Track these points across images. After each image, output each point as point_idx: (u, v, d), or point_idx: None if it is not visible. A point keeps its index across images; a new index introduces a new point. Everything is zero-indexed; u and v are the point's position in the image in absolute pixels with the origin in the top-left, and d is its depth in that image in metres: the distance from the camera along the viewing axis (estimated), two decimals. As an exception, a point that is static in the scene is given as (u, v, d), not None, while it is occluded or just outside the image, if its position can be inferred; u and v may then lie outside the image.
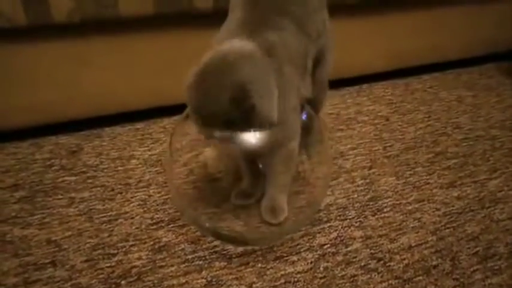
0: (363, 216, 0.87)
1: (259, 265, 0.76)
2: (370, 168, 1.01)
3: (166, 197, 0.90)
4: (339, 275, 0.75)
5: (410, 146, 1.10)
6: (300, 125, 0.77)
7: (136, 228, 0.83)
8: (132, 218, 0.85)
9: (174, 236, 0.81)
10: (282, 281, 0.73)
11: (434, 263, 0.77)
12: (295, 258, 0.77)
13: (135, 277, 0.73)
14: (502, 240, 0.82)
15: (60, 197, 0.90)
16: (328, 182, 0.91)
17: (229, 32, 0.73)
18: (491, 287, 0.74)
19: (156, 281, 0.73)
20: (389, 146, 1.09)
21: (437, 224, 0.86)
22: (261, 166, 0.84)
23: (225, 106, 0.62)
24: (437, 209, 0.89)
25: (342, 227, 0.84)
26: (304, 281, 0.73)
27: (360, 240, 0.82)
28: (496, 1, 1.44)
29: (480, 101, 1.34)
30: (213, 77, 0.64)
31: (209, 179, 0.91)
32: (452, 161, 1.04)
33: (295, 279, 0.74)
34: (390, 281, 0.74)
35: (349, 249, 0.80)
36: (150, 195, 0.91)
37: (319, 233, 0.83)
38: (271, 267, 0.76)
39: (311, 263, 0.77)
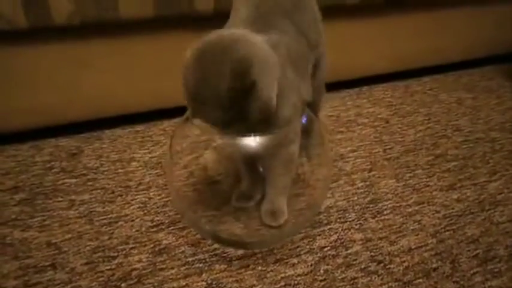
0: (363, 218, 0.87)
1: (260, 268, 0.76)
2: (370, 170, 1.01)
3: (167, 199, 0.90)
4: (339, 277, 0.75)
5: (410, 149, 1.10)
6: (300, 127, 0.77)
7: (137, 230, 0.83)
8: (132, 220, 0.85)
9: (174, 238, 0.81)
10: (282, 283, 0.73)
11: (434, 265, 0.77)
12: (295, 260, 0.77)
13: (135, 280, 0.73)
14: (502, 243, 0.82)
15: (60, 199, 0.90)
16: (328, 184, 0.91)
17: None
18: (491, 289, 0.74)
19: (156, 284, 0.72)
20: (389, 149, 1.09)
21: (437, 227, 0.86)
22: (261, 169, 0.84)
23: (225, 83, 0.60)
24: (437, 212, 0.89)
25: (342, 230, 0.84)
26: (304, 284, 0.73)
27: (360, 242, 0.82)
28: (497, 3, 1.45)
29: (480, 103, 1.34)
30: (213, 54, 0.62)
31: (209, 182, 0.91)
32: (452, 163, 1.05)
33: (296, 282, 0.74)
34: (390, 284, 0.74)
35: (349, 251, 0.80)
36: (150, 198, 0.91)
37: (319, 235, 0.83)
38: (272, 270, 0.76)
39: (311, 265, 0.77)
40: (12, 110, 1.02)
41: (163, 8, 0.98)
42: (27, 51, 0.97)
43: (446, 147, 1.11)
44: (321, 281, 0.74)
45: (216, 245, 0.80)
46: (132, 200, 0.90)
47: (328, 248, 0.80)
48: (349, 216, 0.87)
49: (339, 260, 0.78)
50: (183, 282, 0.73)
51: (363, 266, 0.77)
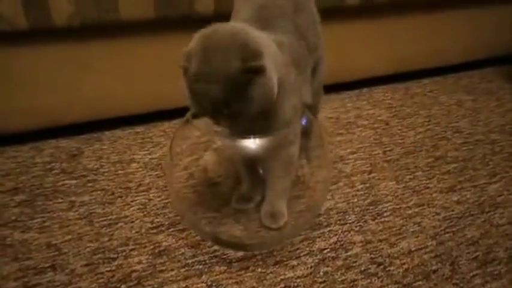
0: (363, 220, 0.87)
1: (259, 270, 0.76)
2: (370, 172, 1.01)
3: (167, 201, 0.91)
4: (339, 279, 0.75)
5: (410, 151, 1.10)
6: (300, 129, 0.77)
7: (137, 232, 0.83)
8: (132, 222, 0.85)
9: (174, 240, 0.81)
10: (282, 285, 0.73)
11: (434, 267, 0.77)
12: (295, 262, 0.78)
13: (135, 281, 0.73)
14: (501, 245, 0.82)
15: (60, 200, 0.90)
16: (328, 186, 0.91)
17: None
18: (491, 292, 0.74)
19: (156, 286, 0.72)
20: (389, 151, 1.09)
21: (437, 229, 0.86)
22: (261, 171, 0.84)
23: (235, 63, 0.59)
24: (437, 214, 0.89)
25: (341, 232, 0.84)
26: (304, 286, 0.73)
27: (360, 244, 0.82)
28: (496, 5, 1.45)
29: (480, 105, 1.34)
30: (222, 35, 0.61)
31: (209, 184, 0.91)
32: (452, 165, 1.05)
33: (295, 284, 0.74)
34: (390, 286, 0.74)
35: (349, 253, 0.80)
36: (150, 199, 0.91)
37: (319, 237, 0.83)
38: (271, 272, 0.76)
39: (311, 267, 0.77)
40: (13, 111, 1.02)
41: (163, 10, 0.98)
42: (28, 53, 0.97)
43: (446, 149, 1.11)
44: (320, 283, 0.74)
45: (215, 247, 0.80)
46: (132, 202, 0.90)
47: (328, 250, 0.80)
48: (349, 218, 0.88)
49: (339, 262, 0.78)
50: (182, 284, 0.73)
51: (362, 268, 0.77)
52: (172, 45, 1.05)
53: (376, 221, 0.87)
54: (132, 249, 0.79)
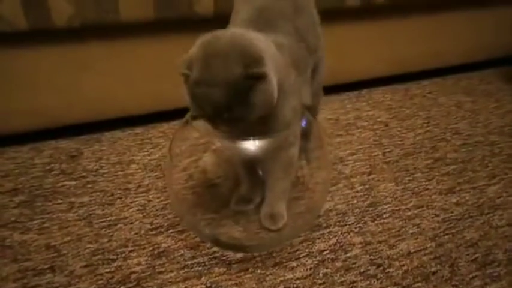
0: (362, 222, 0.87)
1: (259, 271, 0.76)
2: (370, 174, 1.01)
3: (166, 202, 0.91)
4: (338, 281, 0.75)
5: (409, 152, 1.10)
6: (299, 131, 0.77)
7: (136, 233, 0.83)
8: (132, 223, 0.85)
9: (173, 241, 0.81)
10: (281, 287, 0.73)
11: (433, 269, 0.77)
12: (294, 264, 0.78)
13: (135, 283, 0.73)
14: (501, 247, 0.82)
15: (59, 201, 0.90)
16: (328, 188, 0.91)
17: None
18: (490, 293, 0.74)
19: (155, 287, 0.72)
20: (389, 152, 1.10)
21: (436, 230, 0.86)
22: (260, 173, 0.84)
23: (237, 68, 0.59)
24: (437, 215, 0.89)
25: (341, 233, 0.84)
26: (303, 287, 0.73)
27: (359, 246, 0.82)
28: (496, 7, 1.45)
29: (479, 106, 1.34)
30: (224, 42, 0.62)
31: (208, 185, 0.91)
32: (452, 166, 1.05)
33: (295, 286, 0.74)
34: (389, 288, 0.74)
35: (348, 255, 0.80)
36: (149, 200, 0.91)
37: (318, 238, 0.83)
38: (271, 273, 0.76)
39: (310, 269, 0.77)
40: (12, 112, 1.02)
41: (163, 11, 0.98)
42: (28, 53, 0.97)
43: (445, 151, 1.11)
44: (320, 284, 0.74)
45: (215, 248, 0.80)
46: (131, 203, 0.90)
47: (327, 251, 0.80)
48: (349, 219, 0.88)
49: (338, 264, 0.78)
50: (182, 286, 0.73)
51: (362, 270, 0.77)
52: (172, 46, 1.06)
53: (376, 222, 0.87)
54: (131, 251, 0.79)
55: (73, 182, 0.96)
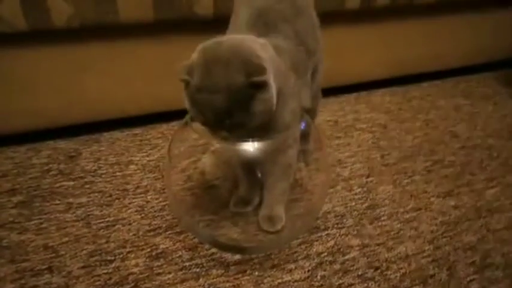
0: (361, 224, 0.87)
1: (257, 273, 0.76)
2: (368, 176, 1.01)
3: (164, 203, 0.90)
4: (336, 283, 0.75)
5: (408, 154, 1.10)
6: (299, 133, 0.78)
7: (134, 234, 0.83)
8: (130, 224, 0.85)
9: (171, 242, 0.81)
10: (279, 289, 0.73)
11: (431, 272, 0.78)
12: (292, 266, 0.77)
13: (132, 284, 0.73)
14: (498, 250, 0.83)
15: (57, 202, 0.90)
16: (327, 190, 0.91)
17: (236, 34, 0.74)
18: (487, 297, 0.74)
19: (153, 288, 0.73)
20: (387, 154, 1.10)
21: (434, 233, 0.86)
22: (259, 175, 0.84)
23: (239, 76, 0.60)
24: (435, 218, 0.90)
25: (339, 235, 0.84)
26: (301, 290, 0.74)
27: (357, 248, 0.82)
28: (495, 10, 1.45)
29: (477, 109, 1.35)
30: (225, 49, 0.62)
31: (207, 186, 0.91)
32: (450, 169, 1.05)
33: (293, 288, 0.74)
34: (387, 290, 0.74)
35: (346, 257, 0.80)
36: (147, 201, 0.91)
37: (316, 241, 0.83)
38: (269, 276, 0.75)
39: (308, 271, 0.77)
40: (11, 112, 1.02)
41: (163, 12, 0.98)
42: (27, 54, 0.97)
43: (443, 154, 1.11)
44: (317, 287, 0.74)
45: (213, 250, 0.80)
46: (129, 204, 0.90)
47: (325, 253, 0.80)
48: (347, 221, 0.88)
49: (336, 266, 0.78)
50: (179, 287, 0.73)
51: (359, 273, 0.77)
52: (172, 47, 1.06)
53: (374, 225, 0.87)
54: (129, 252, 0.79)
55: (71, 183, 0.96)
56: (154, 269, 0.76)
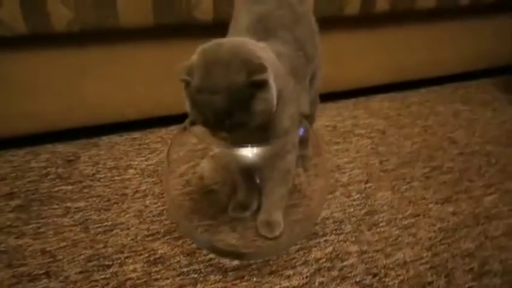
0: (359, 230, 0.87)
1: (255, 279, 0.76)
2: (367, 182, 1.01)
3: (163, 208, 0.90)
4: (334, 290, 0.75)
5: (406, 161, 1.10)
6: (297, 139, 0.78)
7: (132, 239, 0.83)
8: (128, 229, 0.85)
9: (169, 248, 0.81)
10: (277, 295, 0.73)
11: (429, 279, 0.77)
12: (290, 272, 0.77)
13: (130, 289, 0.73)
14: (496, 257, 0.82)
15: (55, 206, 0.90)
16: (325, 196, 0.91)
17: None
18: (485, 304, 0.74)
19: (150, 294, 0.72)
20: (386, 160, 1.10)
21: (432, 240, 0.86)
22: (258, 180, 0.84)
23: (240, 76, 0.60)
24: (433, 225, 0.89)
25: (337, 241, 0.84)
26: (299, 296, 0.73)
27: (356, 255, 0.82)
28: (495, 16, 1.46)
29: (476, 115, 1.35)
30: (226, 50, 0.62)
31: (205, 191, 0.91)
32: (448, 176, 1.05)
33: (291, 294, 0.74)
34: (385, 297, 0.74)
35: (344, 264, 0.80)
36: (146, 206, 0.91)
37: (314, 247, 0.83)
38: (267, 282, 0.75)
39: (306, 277, 0.76)
40: (10, 115, 1.02)
41: (162, 16, 0.99)
42: (27, 58, 0.97)
43: (442, 160, 1.11)
44: (316, 293, 0.74)
45: (211, 255, 0.80)
46: (128, 208, 0.90)
47: (324, 260, 0.80)
48: (345, 228, 0.88)
49: (334, 273, 0.78)
50: (177, 293, 0.73)
51: (358, 279, 0.77)
52: (171, 52, 1.07)
53: (372, 231, 0.87)
54: (127, 257, 0.79)
55: (69, 187, 0.95)
56: (152, 274, 0.76)
